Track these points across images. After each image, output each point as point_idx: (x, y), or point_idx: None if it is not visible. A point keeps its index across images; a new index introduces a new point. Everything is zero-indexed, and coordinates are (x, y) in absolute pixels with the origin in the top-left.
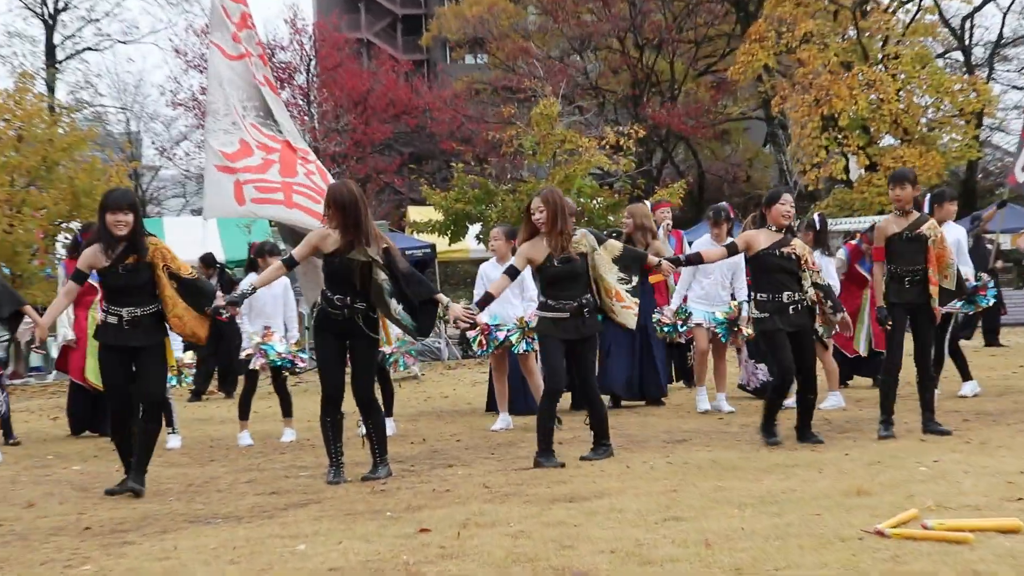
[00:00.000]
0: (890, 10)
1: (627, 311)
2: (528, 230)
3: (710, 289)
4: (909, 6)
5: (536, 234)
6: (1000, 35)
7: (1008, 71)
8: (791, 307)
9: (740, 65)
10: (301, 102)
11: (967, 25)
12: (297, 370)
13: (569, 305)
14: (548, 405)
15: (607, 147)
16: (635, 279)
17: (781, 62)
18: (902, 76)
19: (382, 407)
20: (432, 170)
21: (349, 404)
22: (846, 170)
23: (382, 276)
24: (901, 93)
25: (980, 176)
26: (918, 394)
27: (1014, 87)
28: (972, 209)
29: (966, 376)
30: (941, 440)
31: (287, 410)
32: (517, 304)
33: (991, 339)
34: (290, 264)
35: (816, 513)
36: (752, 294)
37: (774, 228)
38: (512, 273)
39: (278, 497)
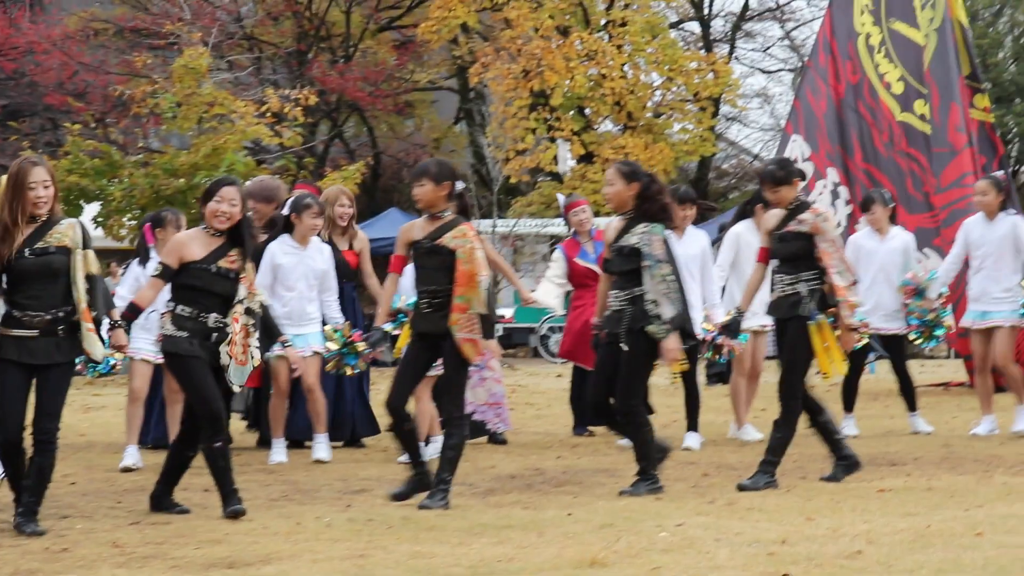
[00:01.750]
0: None
1: (90, 335)
2: None
3: (294, 305)
4: None
5: None
6: (745, 5)
7: (752, 50)
8: (214, 333)
9: (433, 22)
10: None
11: None
12: None
13: (39, 319)
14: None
15: (268, 115)
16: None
17: (483, 21)
18: (628, 48)
19: None
20: (33, 130)
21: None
22: (555, 159)
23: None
24: (626, 68)
25: (713, 175)
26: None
27: (759, 69)
28: (702, 215)
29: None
30: (681, 500)
31: None
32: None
33: (721, 376)
34: None
35: None
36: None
37: (212, 231)
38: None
39: None
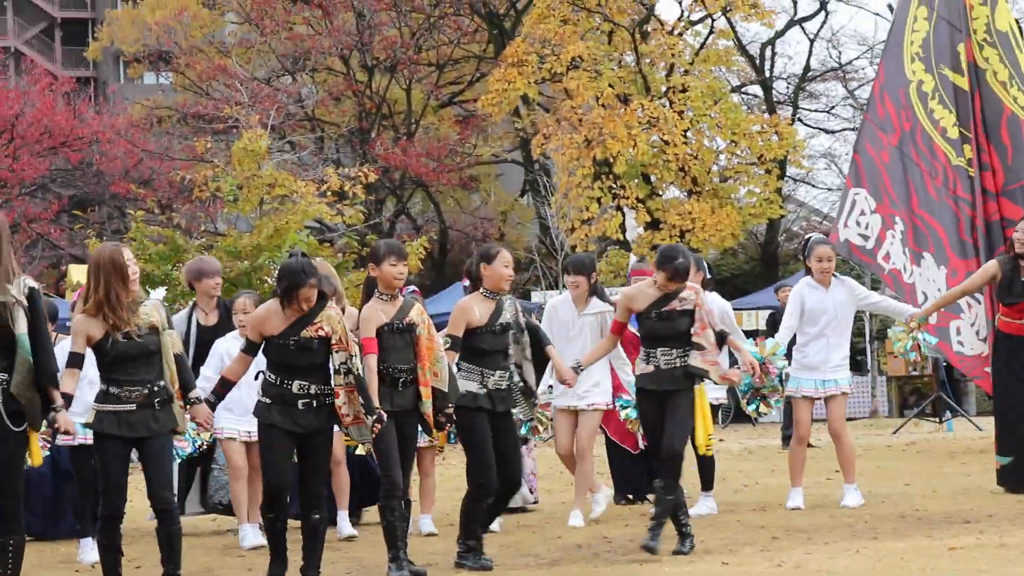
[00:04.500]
0: (676, 32)
1: (181, 412)
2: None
3: None
4: (699, 28)
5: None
6: (807, 67)
7: (815, 110)
8: (300, 400)
9: (493, 95)
10: None
11: (767, 54)
12: None
13: (137, 393)
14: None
15: (328, 194)
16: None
17: (544, 92)
18: (690, 113)
19: None
20: (101, 219)
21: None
22: (622, 228)
23: (22, 324)
24: (689, 134)
25: (783, 237)
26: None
27: (822, 130)
28: (773, 278)
29: (707, 485)
30: (749, 563)
31: None
32: None
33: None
34: None
35: None
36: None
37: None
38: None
39: None
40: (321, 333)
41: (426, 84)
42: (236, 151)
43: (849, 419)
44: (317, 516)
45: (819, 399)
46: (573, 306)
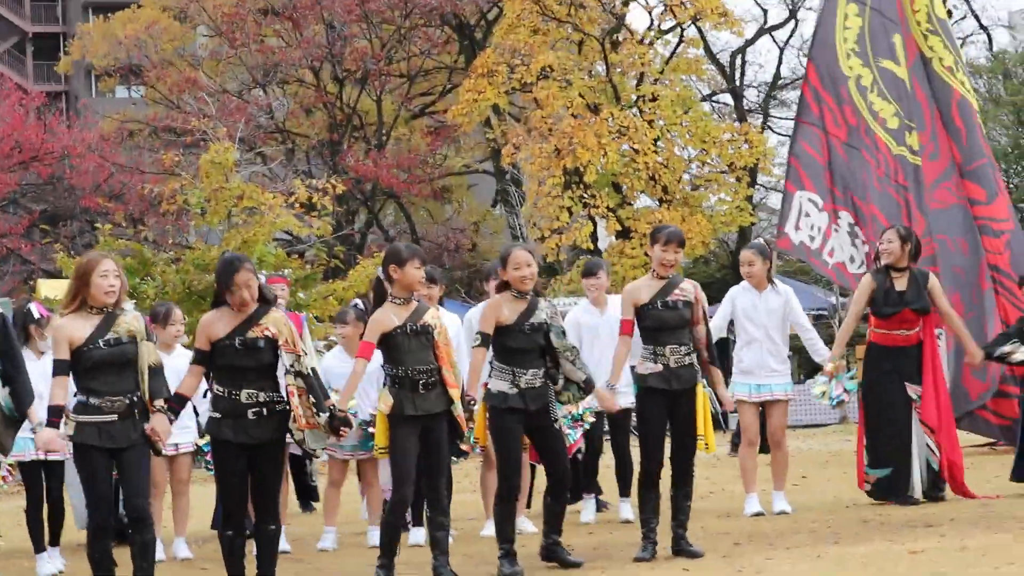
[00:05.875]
0: (646, 41)
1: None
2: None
3: None
4: (669, 37)
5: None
6: (777, 74)
7: (785, 118)
8: (250, 410)
9: (463, 105)
10: None
11: (738, 62)
12: None
13: (119, 403)
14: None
15: (297, 205)
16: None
17: (514, 103)
18: (661, 122)
19: None
20: (72, 233)
21: None
22: (593, 237)
23: None
24: (659, 143)
25: None
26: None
27: (792, 137)
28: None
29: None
30: (709, 569)
31: None
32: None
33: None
34: None
35: None
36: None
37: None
38: None
39: None
40: (267, 333)
41: (397, 95)
42: (203, 163)
43: (819, 425)
44: (272, 527)
45: (755, 403)
46: (595, 309)
